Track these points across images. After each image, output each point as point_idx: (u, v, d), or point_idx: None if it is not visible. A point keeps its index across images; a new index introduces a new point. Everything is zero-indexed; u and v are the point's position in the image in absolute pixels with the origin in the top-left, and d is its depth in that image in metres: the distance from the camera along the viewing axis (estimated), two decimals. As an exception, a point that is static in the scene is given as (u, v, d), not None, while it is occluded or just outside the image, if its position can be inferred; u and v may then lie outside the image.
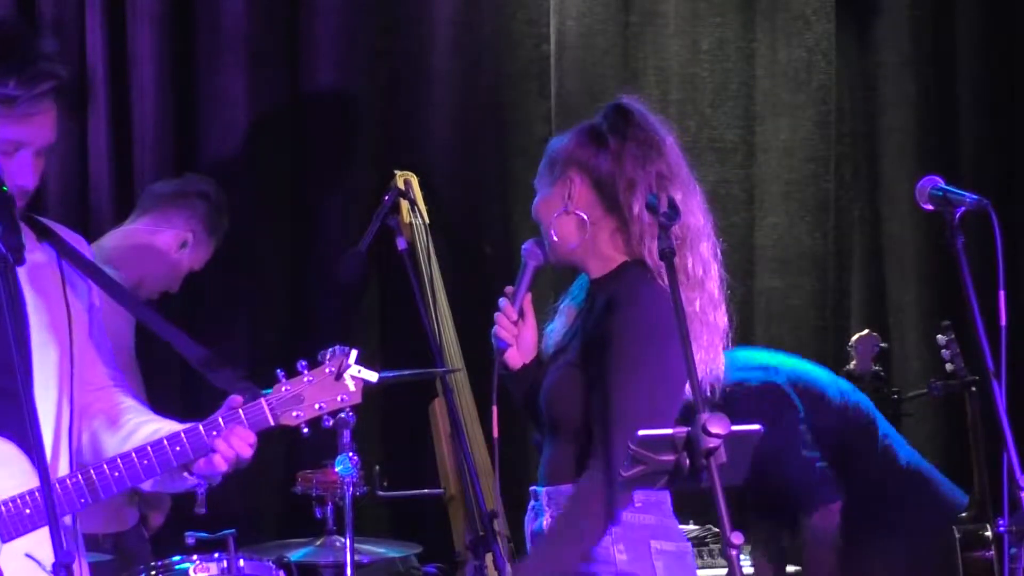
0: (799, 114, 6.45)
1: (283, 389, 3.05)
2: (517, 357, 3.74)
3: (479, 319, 5.35)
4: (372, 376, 3.02)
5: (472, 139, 6.18)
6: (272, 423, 3.05)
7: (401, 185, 5.25)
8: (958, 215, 4.00)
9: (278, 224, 5.95)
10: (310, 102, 6.00)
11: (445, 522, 5.40)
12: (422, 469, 5.57)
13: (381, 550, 4.97)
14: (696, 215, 3.64)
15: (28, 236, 3.07)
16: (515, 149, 6.20)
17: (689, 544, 3.69)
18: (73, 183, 5.73)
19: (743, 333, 6.49)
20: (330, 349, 3.11)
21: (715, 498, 3.29)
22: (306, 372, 3.04)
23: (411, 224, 5.31)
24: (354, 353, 3.10)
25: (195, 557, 4.42)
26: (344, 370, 3.02)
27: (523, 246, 3.75)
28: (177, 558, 4.46)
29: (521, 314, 3.72)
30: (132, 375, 4.59)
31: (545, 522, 3.59)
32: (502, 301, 3.73)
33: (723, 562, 5.16)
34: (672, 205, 3.42)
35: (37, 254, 3.18)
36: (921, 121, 6.50)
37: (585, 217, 3.62)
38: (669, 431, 3.26)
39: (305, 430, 3.08)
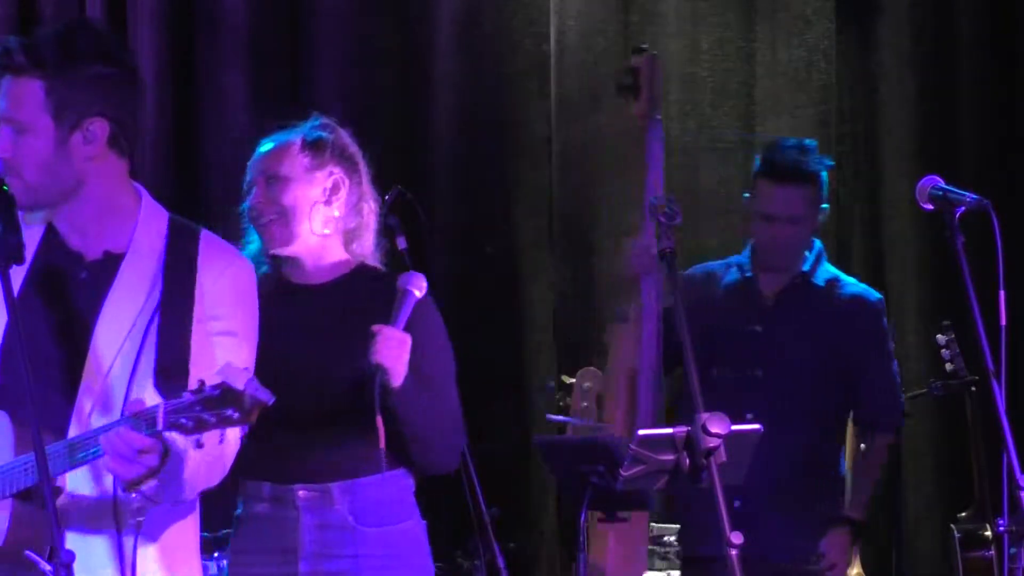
0: (799, 114, 6.45)
1: (184, 395, 2.99)
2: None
3: (479, 318, 5.38)
4: (268, 398, 2.99)
5: (472, 139, 6.18)
6: (160, 427, 2.99)
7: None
8: (958, 215, 4.00)
9: (278, 224, 5.94)
10: (310, 102, 5.99)
11: (445, 522, 5.39)
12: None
13: (381, 550, 4.95)
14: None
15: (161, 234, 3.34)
16: (515, 149, 6.19)
17: None
18: (73, 182, 5.72)
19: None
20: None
21: (715, 498, 3.30)
22: (206, 387, 2.99)
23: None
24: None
25: (195, 556, 4.42)
26: (241, 387, 2.97)
27: (402, 277, 3.87)
28: (177, 557, 4.45)
29: None
30: None
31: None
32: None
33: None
34: (671, 204, 3.42)
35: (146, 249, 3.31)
36: (921, 121, 6.49)
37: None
38: (669, 430, 3.26)
39: (195, 438, 3.03)
